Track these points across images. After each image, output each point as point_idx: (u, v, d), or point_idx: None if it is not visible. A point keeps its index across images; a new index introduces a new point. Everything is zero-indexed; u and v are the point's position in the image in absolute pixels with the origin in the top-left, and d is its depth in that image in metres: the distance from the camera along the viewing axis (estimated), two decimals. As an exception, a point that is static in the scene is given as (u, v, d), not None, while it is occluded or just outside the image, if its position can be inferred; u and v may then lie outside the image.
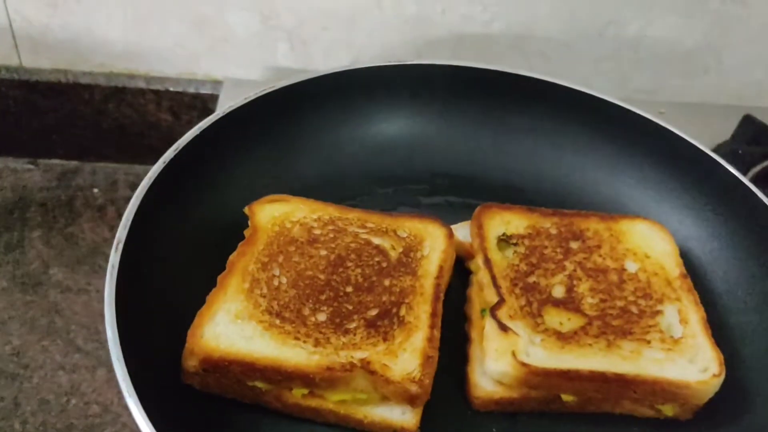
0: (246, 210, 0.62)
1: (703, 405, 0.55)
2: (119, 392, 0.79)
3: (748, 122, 0.85)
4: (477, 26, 0.93)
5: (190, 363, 0.52)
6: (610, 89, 0.76)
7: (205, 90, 0.97)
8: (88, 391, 0.81)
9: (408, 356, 0.54)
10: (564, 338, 0.55)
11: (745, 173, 0.82)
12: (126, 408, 0.79)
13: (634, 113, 0.72)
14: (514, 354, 0.53)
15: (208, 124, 0.63)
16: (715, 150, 0.85)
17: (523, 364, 0.52)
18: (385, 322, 0.56)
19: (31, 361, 0.82)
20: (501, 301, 0.57)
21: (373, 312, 0.57)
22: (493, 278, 0.58)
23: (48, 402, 0.79)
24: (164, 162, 0.59)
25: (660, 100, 0.97)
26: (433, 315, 0.57)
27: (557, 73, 0.77)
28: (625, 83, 0.99)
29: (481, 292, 0.59)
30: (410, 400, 0.52)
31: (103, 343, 0.86)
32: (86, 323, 0.86)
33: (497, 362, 0.53)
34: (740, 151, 0.83)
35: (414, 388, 0.52)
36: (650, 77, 0.98)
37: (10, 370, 0.81)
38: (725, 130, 0.89)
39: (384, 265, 0.60)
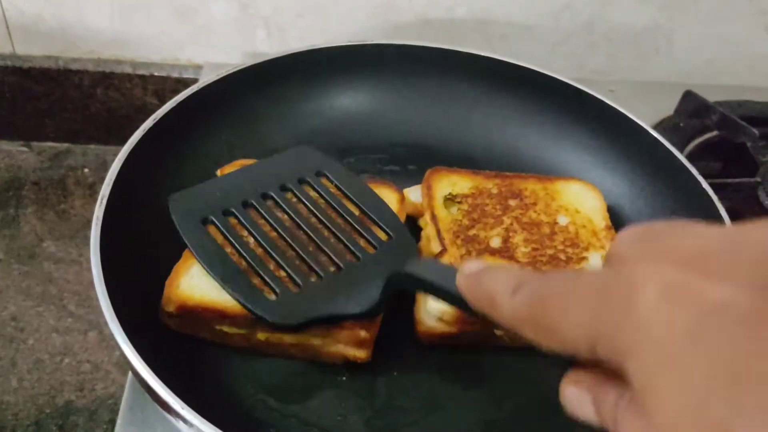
0: (218, 173, 0.68)
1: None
2: (109, 352, 0.87)
3: (689, 97, 0.91)
4: (441, 12, 0.99)
5: (168, 308, 0.58)
6: (567, 70, 0.82)
7: (187, 74, 1.03)
8: (80, 352, 0.87)
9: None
10: (497, 281, 0.61)
11: (685, 145, 0.88)
12: (115, 365, 0.87)
13: (576, 88, 0.78)
14: (452, 295, 0.59)
15: (184, 97, 0.70)
16: (659, 124, 0.92)
17: (459, 303, 0.59)
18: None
19: (27, 325, 0.88)
20: (443, 250, 0.63)
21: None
22: (438, 231, 0.64)
23: (42, 361, 0.85)
24: (144, 130, 0.65)
25: (614, 79, 1.04)
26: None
27: (518, 55, 0.83)
28: (581, 65, 1.05)
29: (429, 244, 0.65)
30: (360, 343, 0.59)
31: (94, 309, 0.93)
32: (78, 291, 0.93)
33: (437, 301, 0.59)
34: (681, 125, 0.90)
35: (363, 333, 0.58)
36: (604, 59, 1.04)
37: (8, 333, 0.87)
38: (673, 106, 0.95)
39: (341, 226, 0.66)
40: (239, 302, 0.56)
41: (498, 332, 0.61)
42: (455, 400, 0.60)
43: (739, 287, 0.24)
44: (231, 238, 0.59)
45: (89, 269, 0.55)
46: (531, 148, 0.79)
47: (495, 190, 0.69)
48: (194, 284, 0.60)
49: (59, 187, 1.04)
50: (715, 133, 0.90)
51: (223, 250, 0.58)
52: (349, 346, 0.59)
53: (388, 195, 0.69)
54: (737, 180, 0.80)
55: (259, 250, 0.59)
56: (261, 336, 0.60)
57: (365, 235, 0.61)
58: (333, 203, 0.63)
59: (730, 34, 1.02)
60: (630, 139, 0.76)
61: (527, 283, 0.33)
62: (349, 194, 0.63)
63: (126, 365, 0.52)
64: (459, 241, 0.65)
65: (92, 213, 0.59)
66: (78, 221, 1.00)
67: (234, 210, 0.61)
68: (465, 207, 0.68)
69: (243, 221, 0.60)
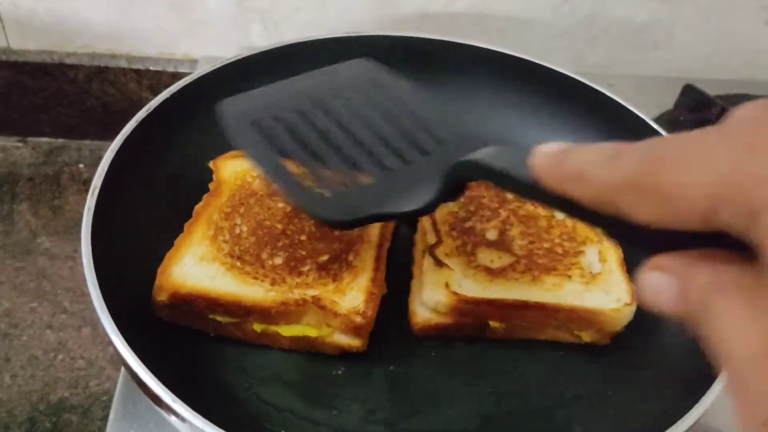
0: (210, 164, 0.68)
1: (620, 332, 0.61)
2: (103, 348, 0.86)
3: (690, 91, 0.91)
4: (440, 5, 0.98)
5: (160, 298, 0.58)
6: (567, 64, 0.80)
7: (183, 69, 1.03)
8: (74, 348, 0.86)
9: (354, 294, 0.59)
10: (493, 273, 0.61)
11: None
12: (109, 362, 0.86)
13: (576, 80, 0.77)
14: (447, 285, 0.59)
15: (178, 88, 0.69)
16: (659, 117, 0.91)
17: (455, 294, 0.58)
18: (335, 266, 0.61)
19: (21, 321, 0.88)
20: (439, 241, 0.62)
21: (325, 257, 0.62)
22: (434, 223, 0.64)
23: (37, 358, 0.85)
24: (137, 121, 0.64)
25: (614, 73, 1.03)
26: (377, 259, 0.62)
27: (516, 49, 0.82)
28: (581, 59, 1.04)
29: (424, 236, 0.64)
30: (356, 329, 0.58)
31: (88, 305, 0.92)
32: (72, 287, 0.92)
33: (432, 292, 0.59)
34: (681, 119, 0.89)
35: (358, 319, 0.57)
36: (604, 53, 1.03)
37: (2, 329, 0.86)
38: (673, 100, 0.94)
39: (336, 216, 0.66)
40: (294, 202, 0.53)
41: (493, 324, 0.60)
42: (452, 394, 0.59)
43: None
44: (282, 140, 0.56)
45: (83, 265, 0.54)
46: (530, 140, 0.76)
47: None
48: (187, 272, 0.59)
49: (54, 182, 1.03)
50: (715, 126, 0.89)
51: (274, 150, 0.55)
52: (344, 333, 0.59)
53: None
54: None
55: (310, 152, 0.56)
56: (256, 327, 0.59)
57: (420, 139, 0.57)
58: (388, 110, 0.60)
59: (729, 28, 1.02)
60: (630, 132, 0.75)
61: (631, 149, 0.30)
62: (404, 99, 0.60)
63: (118, 359, 0.51)
64: (455, 233, 0.64)
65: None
66: (72, 217, 0.99)
67: (285, 116, 0.58)
68: (462, 199, 0.67)
69: (295, 127, 0.58)
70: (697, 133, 0.28)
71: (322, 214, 0.52)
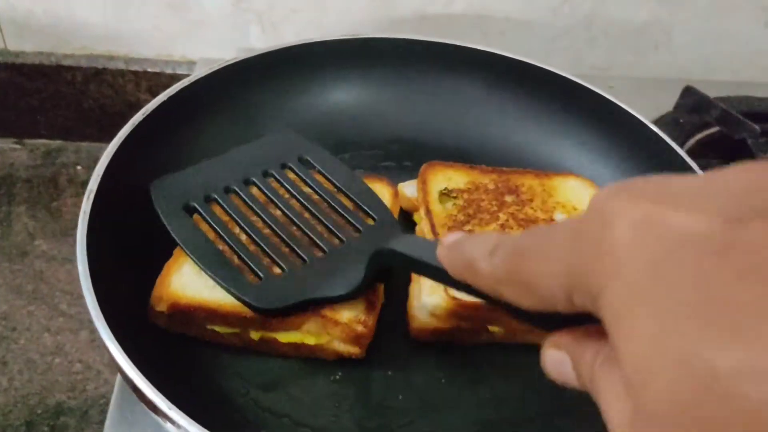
0: (207, 168, 0.67)
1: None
2: (101, 352, 0.86)
3: (689, 93, 0.90)
4: (438, 6, 0.98)
5: (158, 308, 0.57)
6: (566, 66, 0.80)
7: (181, 71, 1.02)
8: (72, 351, 0.86)
9: (354, 303, 0.58)
10: (492, 278, 0.60)
11: (685, 140, 0.87)
12: (106, 366, 0.86)
13: (574, 82, 0.77)
14: (445, 289, 0.58)
15: (175, 91, 0.69)
16: (659, 119, 0.91)
17: (453, 298, 0.58)
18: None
19: (18, 324, 0.87)
20: (437, 245, 0.62)
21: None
22: (432, 226, 0.63)
23: (34, 361, 0.84)
24: (133, 124, 0.64)
25: (613, 75, 1.02)
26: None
27: (516, 51, 0.82)
28: (580, 60, 1.04)
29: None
30: (356, 339, 0.57)
31: (85, 308, 0.91)
32: (69, 290, 0.92)
33: (430, 296, 0.59)
34: (681, 121, 0.89)
35: (360, 328, 0.57)
36: (603, 54, 1.03)
37: (-1, 332, 0.86)
38: (672, 102, 0.94)
39: (335, 222, 0.65)
40: (222, 286, 0.55)
41: (492, 328, 0.60)
42: (451, 400, 0.59)
43: (712, 218, 0.24)
44: (213, 224, 0.59)
45: (78, 270, 0.54)
46: (528, 144, 0.78)
47: (491, 186, 0.68)
48: (186, 283, 0.59)
49: (51, 184, 1.03)
50: (715, 129, 0.89)
51: (206, 235, 0.58)
52: (344, 342, 0.58)
53: (381, 190, 0.68)
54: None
55: (243, 236, 0.59)
56: (254, 335, 0.59)
57: (350, 219, 0.60)
58: (316, 188, 0.62)
59: (729, 29, 1.01)
60: (630, 135, 0.75)
61: (503, 243, 0.33)
62: (332, 179, 0.63)
63: (113, 364, 0.51)
64: (454, 238, 0.64)
65: (83, 212, 0.57)
66: (70, 219, 0.99)
67: (216, 196, 0.61)
68: (460, 202, 0.66)
69: (225, 207, 0.60)
70: (555, 224, 0.31)
71: (254, 303, 0.54)
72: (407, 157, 0.77)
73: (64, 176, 1.04)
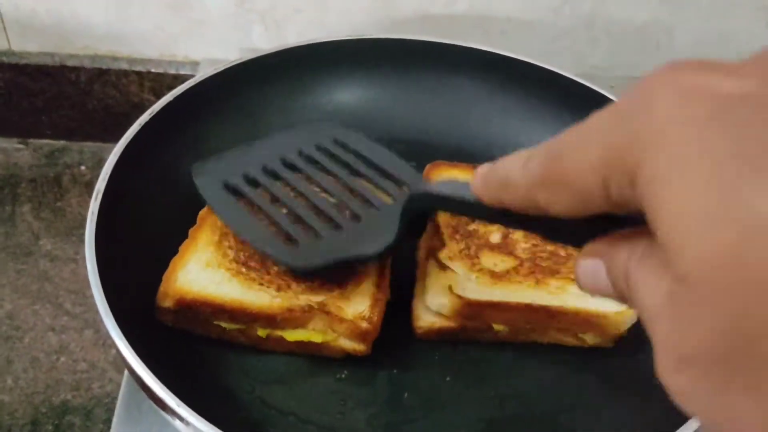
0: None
1: (623, 335, 0.61)
2: (106, 351, 0.86)
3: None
4: (440, 7, 0.98)
5: (165, 304, 0.58)
6: (568, 66, 0.81)
7: (184, 71, 1.03)
8: (76, 350, 0.86)
9: (359, 299, 0.59)
10: (497, 276, 0.61)
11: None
12: (111, 364, 0.86)
13: (578, 82, 0.77)
14: (451, 288, 0.59)
15: (181, 91, 0.69)
16: (661, 119, 0.91)
17: (459, 297, 0.58)
18: (339, 272, 0.62)
19: (23, 323, 0.88)
20: (442, 245, 0.63)
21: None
22: (437, 226, 0.64)
23: (38, 360, 0.85)
24: (140, 124, 0.64)
25: (614, 75, 1.03)
26: (382, 265, 0.62)
27: (517, 51, 0.82)
28: (582, 60, 1.04)
29: (428, 239, 0.64)
30: (361, 335, 0.58)
31: (91, 307, 0.91)
32: (74, 289, 0.92)
33: (436, 295, 0.59)
34: (683, 120, 0.89)
35: (364, 325, 0.57)
36: (605, 54, 1.03)
37: (3, 332, 0.86)
38: (674, 102, 0.94)
39: (340, 223, 0.66)
40: (260, 251, 0.58)
41: (497, 327, 0.60)
42: (457, 398, 0.59)
43: (761, 81, 0.24)
44: (251, 197, 0.62)
45: (85, 267, 0.54)
46: (533, 144, 0.77)
47: (496, 185, 0.68)
48: (192, 279, 0.59)
49: (55, 184, 1.03)
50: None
51: (245, 210, 0.61)
52: (350, 339, 0.59)
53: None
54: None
55: (279, 207, 0.62)
56: (261, 333, 0.59)
57: (384, 188, 0.63)
58: (349, 163, 0.66)
59: (731, 29, 1.02)
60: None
61: (537, 150, 0.32)
62: (367, 156, 0.66)
63: (122, 362, 0.51)
64: (458, 236, 0.64)
65: (88, 210, 0.58)
66: (74, 219, 0.99)
67: (254, 175, 0.64)
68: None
69: (263, 183, 0.63)
70: (587, 119, 0.29)
71: (290, 262, 0.57)
72: (411, 157, 0.77)
73: (68, 176, 1.05)
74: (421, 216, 0.55)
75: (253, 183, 0.64)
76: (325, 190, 0.64)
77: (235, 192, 0.63)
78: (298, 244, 0.58)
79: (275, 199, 0.63)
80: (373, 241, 0.57)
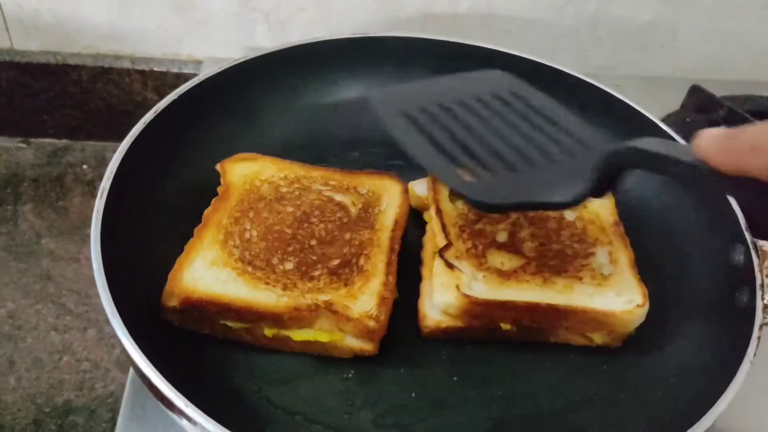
0: (218, 167, 0.67)
1: (631, 334, 0.61)
2: (109, 350, 0.86)
3: (696, 92, 0.91)
4: (443, 6, 0.98)
5: (170, 303, 0.57)
6: (572, 65, 0.80)
7: (187, 70, 1.02)
8: (79, 350, 0.86)
9: (366, 298, 0.59)
10: (504, 275, 0.61)
11: (692, 140, 0.87)
12: (115, 364, 0.86)
13: (583, 80, 0.77)
14: (458, 287, 0.58)
15: (185, 90, 0.69)
16: (666, 118, 0.91)
17: (466, 296, 0.58)
18: (346, 271, 0.61)
19: (25, 323, 0.87)
20: (449, 244, 0.62)
21: (335, 262, 0.62)
22: (443, 225, 0.63)
23: (41, 360, 0.84)
24: (144, 123, 0.64)
25: (619, 74, 1.03)
26: (389, 264, 0.62)
27: (521, 50, 0.82)
28: (586, 59, 1.04)
29: (434, 238, 0.64)
30: (369, 334, 0.58)
31: (94, 306, 0.91)
32: (77, 288, 0.92)
33: (443, 295, 0.59)
34: (688, 120, 0.89)
35: (371, 323, 0.57)
36: (609, 53, 1.03)
37: (6, 331, 0.86)
38: (678, 101, 0.94)
39: (345, 220, 0.66)
40: (442, 181, 0.56)
41: (504, 326, 0.60)
42: (464, 397, 0.59)
43: None
44: (431, 128, 0.59)
45: (88, 266, 0.54)
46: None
47: (502, 184, 0.68)
48: (197, 277, 0.59)
49: (58, 183, 1.03)
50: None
51: (423, 135, 0.58)
52: (357, 338, 0.58)
53: (390, 186, 0.69)
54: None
55: (459, 141, 0.59)
56: (268, 332, 0.59)
57: (563, 142, 0.59)
58: (529, 115, 0.62)
59: (734, 28, 1.02)
60: (639, 133, 0.75)
61: None
62: (545, 112, 0.62)
63: (127, 362, 0.51)
64: (465, 235, 0.64)
65: (91, 210, 0.58)
66: (77, 218, 0.99)
67: (433, 110, 0.61)
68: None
69: (441, 117, 0.60)
70: None
71: (475, 197, 0.54)
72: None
73: (70, 175, 1.04)
74: (616, 173, 0.52)
75: (433, 117, 0.61)
76: (502, 134, 0.59)
77: (414, 122, 0.60)
78: (479, 179, 0.55)
79: (453, 136, 0.59)
80: (559, 188, 0.54)
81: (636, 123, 0.76)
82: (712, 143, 0.41)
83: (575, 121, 0.61)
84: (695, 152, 0.41)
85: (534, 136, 0.59)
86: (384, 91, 0.64)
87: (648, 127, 0.74)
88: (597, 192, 0.53)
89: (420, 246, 0.67)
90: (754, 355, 0.54)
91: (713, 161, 0.40)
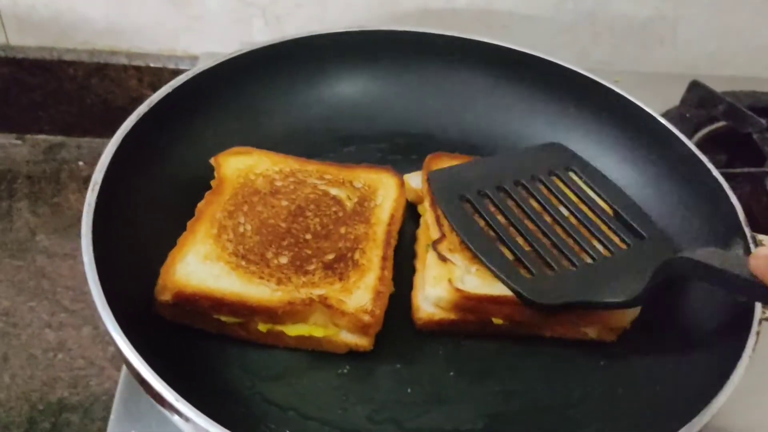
0: (212, 161, 0.67)
1: (626, 328, 0.60)
2: (104, 348, 0.85)
3: (696, 88, 0.90)
4: (441, 1, 0.97)
5: (163, 297, 0.57)
6: (571, 61, 0.80)
7: (184, 65, 1.02)
8: (74, 347, 0.85)
9: (361, 292, 0.58)
10: (497, 269, 0.60)
11: (692, 135, 0.87)
12: (110, 361, 0.85)
13: (583, 75, 0.76)
14: (450, 281, 0.58)
15: (179, 83, 0.68)
16: (665, 114, 0.90)
17: (457, 290, 0.57)
18: (341, 265, 0.61)
19: (20, 320, 0.86)
20: (442, 236, 0.62)
21: (330, 256, 0.61)
22: (437, 217, 0.63)
23: (36, 357, 0.83)
24: (138, 116, 0.63)
25: (618, 70, 1.02)
26: (384, 258, 0.62)
27: (519, 45, 0.81)
28: (585, 55, 1.03)
29: (428, 230, 0.64)
30: (363, 329, 0.57)
31: (88, 304, 0.91)
32: (72, 285, 0.91)
33: (435, 288, 0.58)
34: (687, 115, 0.88)
35: (366, 318, 0.56)
36: (608, 49, 1.03)
37: (0, 328, 0.85)
38: (678, 97, 0.93)
39: (340, 214, 0.65)
40: (495, 274, 0.57)
41: (496, 320, 0.60)
42: (459, 393, 0.59)
43: None
44: (487, 216, 0.61)
45: (83, 263, 0.53)
46: (535, 135, 0.77)
47: (497, 177, 0.67)
48: (190, 271, 0.58)
49: (53, 180, 1.02)
50: (721, 123, 0.88)
51: (480, 225, 0.60)
52: (352, 333, 0.58)
53: (386, 179, 0.68)
54: (745, 170, 0.79)
55: (515, 232, 0.61)
56: (262, 327, 0.58)
57: (618, 231, 0.62)
58: (583, 198, 0.64)
59: (734, 24, 1.01)
60: (639, 128, 0.75)
61: None
62: (599, 191, 0.65)
63: (120, 358, 0.50)
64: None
65: (86, 205, 0.57)
66: (72, 215, 0.98)
67: (489, 192, 0.63)
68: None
69: (498, 203, 0.62)
70: None
71: (528, 295, 0.55)
72: (413, 149, 0.77)
73: (65, 172, 1.04)
74: (669, 280, 0.54)
75: (489, 200, 0.63)
76: (558, 222, 0.62)
77: (471, 206, 0.63)
78: (532, 274, 0.57)
79: (510, 223, 0.61)
80: (616, 287, 0.56)
81: (635, 119, 0.75)
82: (763, 262, 0.43)
83: (630, 204, 0.64)
84: (751, 270, 0.43)
85: (590, 226, 0.61)
86: (443, 171, 0.65)
87: (648, 123, 0.74)
88: (652, 292, 0.55)
89: (415, 238, 0.67)
90: (753, 350, 0.54)
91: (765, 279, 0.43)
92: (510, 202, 0.63)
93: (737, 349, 0.53)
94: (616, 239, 0.61)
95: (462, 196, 0.62)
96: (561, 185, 0.65)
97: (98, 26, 0.99)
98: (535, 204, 0.63)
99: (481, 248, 0.58)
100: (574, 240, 0.60)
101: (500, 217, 0.61)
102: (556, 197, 0.64)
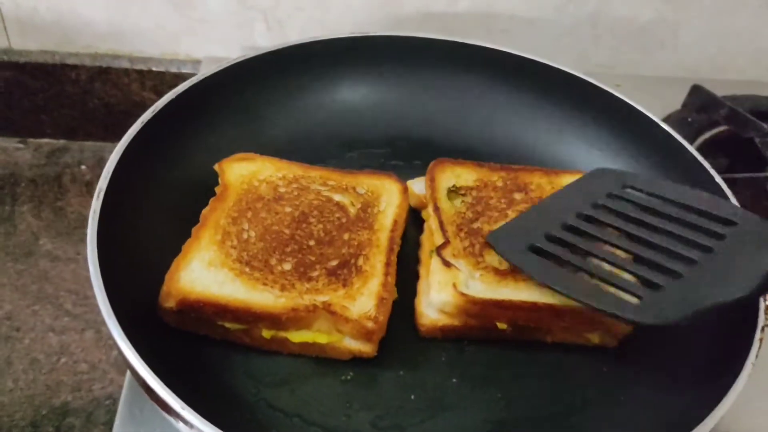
0: (216, 167, 0.67)
1: (629, 334, 0.60)
2: (107, 352, 0.85)
3: (697, 92, 0.90)
4: (442, 4, 0.98)
5: (167, 304, 0.57)
6: (571, 65, 0.80)
7: (186, 69, 1.02)
8: (77, 351, 0.85)
9: (365, 299, 0.59)
10: (501, 274, 0.60)
11: (694, 139, 0.87)
12: (112, 365, 0.85)
13: (584, 80, 0.77)
14: (454, 286, 0.58)
15: (183, 89, 0.68)
16: (667, 118, 0.91)
17: (462, 295, 0.57)
18: (344, 271, 0.61)
19: (23, 324, 0.87)
20: (446, 242, 0.62)
21: (334, 263, 0.61)
22: (441, 223, 0.63)
23: (38, 361, 0.84)
24: (142, 122, 0.63)
25: (619, 73, 1.02)
26: (387, 264, 0.62)
27: (520, 49, 0.81)
28: (585, 58, 1.03)
29: (431, 236, 0.64)
30: (367, 335, 0.57)
31: (91, 308, 0.91)
32: (75, 289, 0.91)
33: (439, 293, 0.58)
34: (689, 119, 0.89)
35: (370, 324, 0.57)
36: (609, 52, 1.03)
37: (3, 332, 0.85)
38: (679, 101, 0.94)
39: (344, 220, 0.65)
40: (607, 313, 0.54)
41: (500, 326, 0.60)
42: (463, 399, 0.59)
43: None
44: (570, 257, 0.58)
45: (86, 267, 0.54)
46: (537, 141, 0.78)
47: (500, 183, 0.68)
48: (195, 278, 0.58)
49: (56, 184, 1.02)
50: (723, 128, 0.88)
51: (562, 268, 0.57)
52: (355, 339, 0.58)
53: (390, 185, 0.68)
54: (747, 175, 0.79)
55: (601, 263, 0.58)
56: (266, 334, 0.58)
57: (706, 226, 0.57)
58: (654, 207, 0.60)
59: (735, 27, 1.01)
60: (640, 133, 0.75)
61: None
62: (666, 195, 0.61)
63: (124, 364, 0.51)
64: (462, 234, 0.63)
65: (89, 210, 0.57)
66: (75, 219, 0.99)
67: (555, 233, 0.60)
68: (469, 199, 0.66)
69: (568, 240, 0.60)
70: None
71: (643, 320, 0.52)
72: (416, 155, 0.77)
73: (68, 176, 1.04)
74: None
75: (558, 241, 0.60)
76: (642, 239, 0.58)
77: (543, 253, 0.59)
78: (640, 297, 0.54)
79: (587, 253, 0.59)
80: (730, 282, 0.52)
81: (637, 123, 0.75)
82: None
83: (705, 198, 0.59)
84: None
85: (676, 231, 0.57)
86: (500, 230, 0.63)
87: (649, 128, 0.74)
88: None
89: (418, 244, 0.67)
90: (756, 357, 0.54)
91: None
92: (584, 236, 0.60)
93: (740, 355, 0.54)
94: (708, 235, 0.57)
95: (531, 246, 0.59)
96: (625, 204, 0.62)
97: (100, 30, 0.99)
98: (610, 230, 0.60)
99: (584, 293, 0.55)
100: (668, 250, 0.56)
101: (582, 253, 0.59)
102: (627, 216, 0.61)
